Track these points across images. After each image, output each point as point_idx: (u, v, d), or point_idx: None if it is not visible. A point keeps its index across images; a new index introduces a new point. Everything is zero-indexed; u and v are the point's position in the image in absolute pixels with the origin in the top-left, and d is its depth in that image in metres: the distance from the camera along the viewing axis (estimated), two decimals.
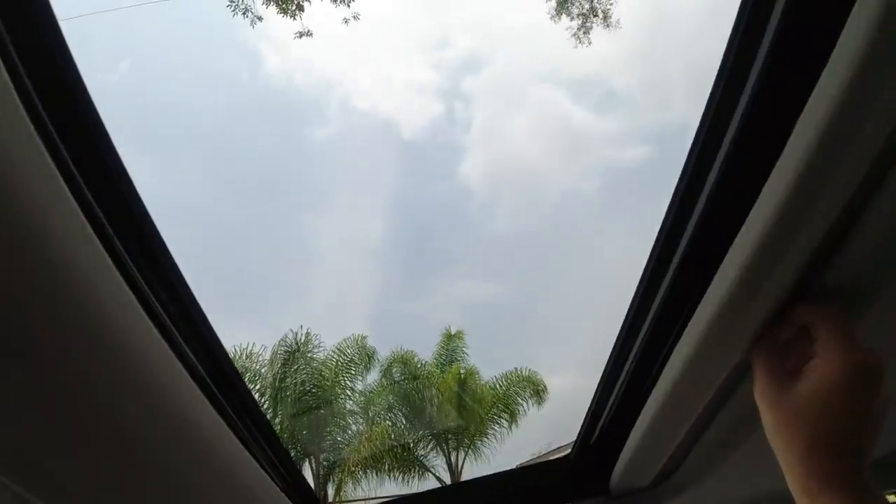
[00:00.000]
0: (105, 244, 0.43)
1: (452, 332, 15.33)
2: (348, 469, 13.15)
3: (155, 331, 0.50)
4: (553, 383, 14.98)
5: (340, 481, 13.33)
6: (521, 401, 14.56)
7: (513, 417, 14.46)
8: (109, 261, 0.43)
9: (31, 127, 0.36)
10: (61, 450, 0.49)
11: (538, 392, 14.55)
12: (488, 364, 15.84)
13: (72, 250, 0.39)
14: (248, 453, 0.67)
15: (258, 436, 0.73)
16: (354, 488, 13.45)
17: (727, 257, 0.57)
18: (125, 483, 0.56)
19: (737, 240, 0.55)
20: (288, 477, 0.85)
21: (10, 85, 0.35)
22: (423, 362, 14.85)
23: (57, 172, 0.39)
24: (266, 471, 0.74)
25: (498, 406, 14.45)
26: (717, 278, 0.59)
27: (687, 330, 0.66)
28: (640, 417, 0.84)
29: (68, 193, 0.40)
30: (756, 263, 0.53)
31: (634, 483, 1.02)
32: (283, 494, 0.80)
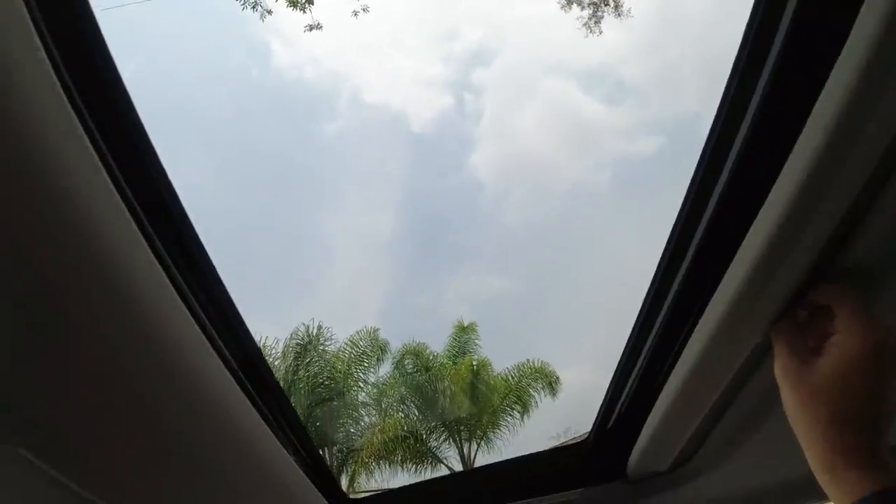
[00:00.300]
0: (143, 232, 0.45)
1: (465, 325, 15.36)
2: (361, 460, 13.26)
3: (190, 318, 0.51)
4: (565, 376, 15.00)
5: (354, 472, 13.44)
6: (532, 392, 14.59)
7: (525, 409, 14.49)
8: (147, 247, 0.45)
9: (76, 120, 0.37)
10: (94, 432, 0.51)
11: (551, 384, 14.56)
12: (500, 356, 15.87)
13: (112, 241, 0.41)
14: (272, 435, 0.69)
15: (281, 419, 0.74)
16: (368, 479, 13.57)
17: (745, 241, 0.58)
18: (155, 463, 0.58)
19: (754, 224, 0.56)
20: (309, 460, 0.86)
21: (55, 78, 0.36)
22: (435, 354, 14.91)
23: (101, 166, 0.40)
24: (289, 453, 0.75)
25: (510, 397, 14.49)
26: (735, 261, 0.59)
27: (706, 313, 0.67)
28: (658, 400, 0.85)
29: (111, 187, 0.41)
30: (774, 246, 0.53)
31: (652, 467, 1.02)
32: (306, 477, 0.81)
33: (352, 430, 14.00)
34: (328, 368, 14.00)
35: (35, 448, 0.49)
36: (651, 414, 0.89)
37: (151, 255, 0.45)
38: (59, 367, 0.43)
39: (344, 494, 1.02)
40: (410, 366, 14.78)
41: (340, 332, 14.80)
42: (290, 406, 0.79)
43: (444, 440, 14.38)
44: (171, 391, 0.52)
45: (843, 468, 0.52)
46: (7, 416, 0.45)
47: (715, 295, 0.64)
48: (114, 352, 0.45)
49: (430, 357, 14.77)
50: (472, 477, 1.44)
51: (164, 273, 0.47)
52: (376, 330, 14.81)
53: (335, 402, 13.79)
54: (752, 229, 0.56)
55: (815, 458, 0.56)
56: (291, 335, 14.13)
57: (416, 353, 14.79)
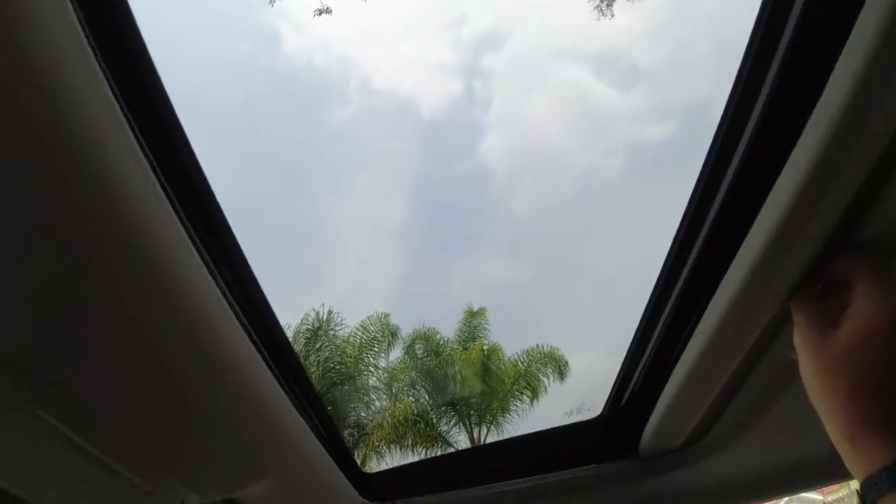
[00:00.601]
0: (171, 204, 0.45)
1: (475, 310, 15.41)
2: (372, 444, 13.39)
3: (216, 289, 0.52)
4: (575, 361, 15.03)
5: (364, 456, 13.59)
6: (542, 377, 14.65)
7: (534, 394, 14.55)
8: (175, 218, 0.45)
9: (107, 88, 0.38)
10: (116, 398, 0.52)
11: (559, 368, 14.62)
12: (510, 342, 15.90)
13: (139, 211, 0.41)
14: (292, 407, 0.70)
15: (299, 392, 0.75)
16: (378, 463, 13.70)
17: (759, 216, 0.58)
18: (175, 430, 0.59)
19: (769, 198, 0.56)
20: (326, 434, 0.87)
21: (85, 43, 0.36)
22: (446, 339, 14.99)
23: (129, 133, 0.40)
24: (306, 422, 0.77)
25: (520, 382, 14.56)
26: (750, 236, 0.60)
27: (720, 288, 0.67)
28: (672, 376, 0.85)
29: (142, 157, 0.41)
30: (790, 219, 0.53)
31: (664, 444, 1.03)
32: (324, 450, 0.83)
33: (362, 415, 14.13)
34: (339, 353, 14.12)
35: (57, 412, 0.50)
36: (665, 389, 0.89)
37: (180, 227, 0.46)
38: (83, 333, 0.44)
39: (359, 469, 1.03)
40: (421, 350, 14.87)
41: (351, 318, 14.91)
42: (309, 381, 0.80)
43: (454, 424, 14.49)
44: (194, 359, 0.52)
45: (862, 437, 0.52)
46: (30, 379, 0.46)
47: (729, 270, 0.64)
48: (138, 319, 0.46)
49: (441, 342, 14.85)
50: (484, 453, 1.46)
51: (190, 244, 0.47)
52: (387, 315, 14.91)
53: (346, 387, 13.91)
54: (766, 203, 0.56)
55: (834, 427, 0.55)
56: (302, 321, 14.24)
57: (426, 337, 14.87)
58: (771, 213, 0.55)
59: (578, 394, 15.41)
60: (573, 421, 1.13)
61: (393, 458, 13.64)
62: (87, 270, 0.41)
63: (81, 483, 0.61)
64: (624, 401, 1.03)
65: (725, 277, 0.65)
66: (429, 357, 14.71)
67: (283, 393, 0.68)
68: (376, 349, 14.65)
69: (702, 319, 0.73)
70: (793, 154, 0.52)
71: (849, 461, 0.54)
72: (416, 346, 14.89)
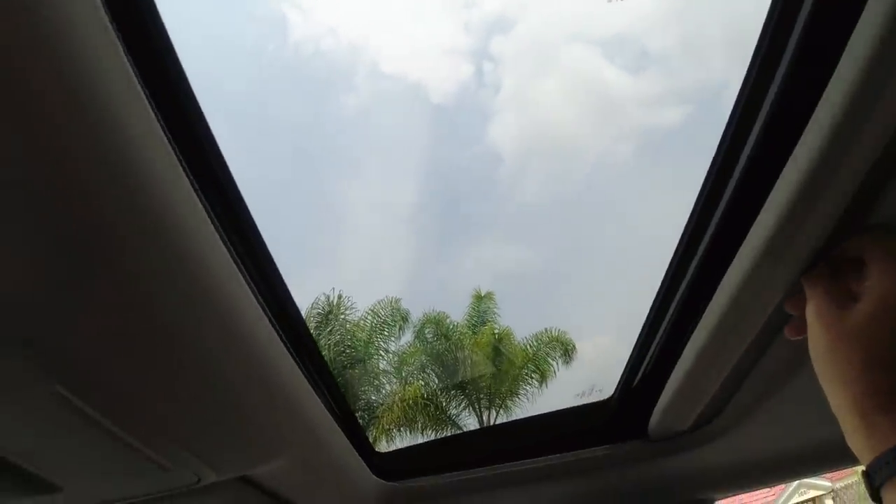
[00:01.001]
0: (191, 183, 0.45)
1: (482, 294, 15.43)
2: (382, 427, 13.51)
3: (231, 262, 0.52)
4: (584, 346, 15.03)
5: (375, 439, 13.70)
6: (551, 361, 14.69)
7: (543, 378, 14.59)
8: (190, 187, 0.45)
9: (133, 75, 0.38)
10: (130, 370, 0.52)
11: (567, 352, 14.64)
12: (519, 326, 15.89)
13: (152, 177, 0.41)
14: (307, 382, 0.71)
15: (312, 369, 0.76)
16: (388, 446, 13.83)
17: (770, 197, 0.57)
18: (193, 404, 0.59)
19: (779, 179, 0.55)
20: (339, 412, 0.89)
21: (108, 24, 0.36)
22: (456, 324, 15.02)
23: (155, 120, 0.41)
24: (321, 400, 0.78)
25: (528, 366, 14.60)
26: (760, 217, 0.59)
27: (731, 267, 0.66)
28: (682, 358, 0.85)
29: (160, 131, 0.41)
30: (801, 198, 0.53)
31: (673, 427, 1.03)
32: (338, 427, 0.84)
33: (373, 398, 14.24)
34: (349, 337, 14.20)
35: (73, 387, 0.49)
36: (674, 372, 0.89)
37: (200, 206, 0.46)
38: (100, 308, 0.44)
39: (372, 448, 1.05)
40: (430, 334, 14.93)
41: (361, 303, 14.98)
42: (323, 360, 0.81)
43: (464, 408, 14.58)
44: (213, 335, 0.53)
45: (874, 412, 0.51)
46: (46, 354, 0.45)
47: (739, 252, 0.64)
48: (156, 294, 0.46)
49: (450, 326, 14.89)
50: (496, 433, 1.47)
51: (209, 222, 0.48)
52: (398, 300, 14.96)
53: (356, 371, 14.02)
54: (776, 185, 0.56)
55: (845, 403, 0.54)
56: (312, 305, 14.31)
57: (436, 321, 14.92)
58: (781, 195, 0.55)
59: (588, 377, 15.43)
60: (584, 402, 1.14)
61: (403, 441, 13.75)
62: (106, 244, 0.41)
63: (97, 458, 0.62)
64: (635, 383, 1.03)
65: (735, 260, 0.65)
66: (438, 341, 14.77)
67: (299, 371, 0.69)
68: (386, 333, 14.72)
69: (711, 302, 0.73)
70: (804, 135, 0.52)
71: (858, 439, 0.52)
72: (426, 330, 14.95)
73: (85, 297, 0.43)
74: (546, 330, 14.82)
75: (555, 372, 14.65)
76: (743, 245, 0.63)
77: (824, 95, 0.48)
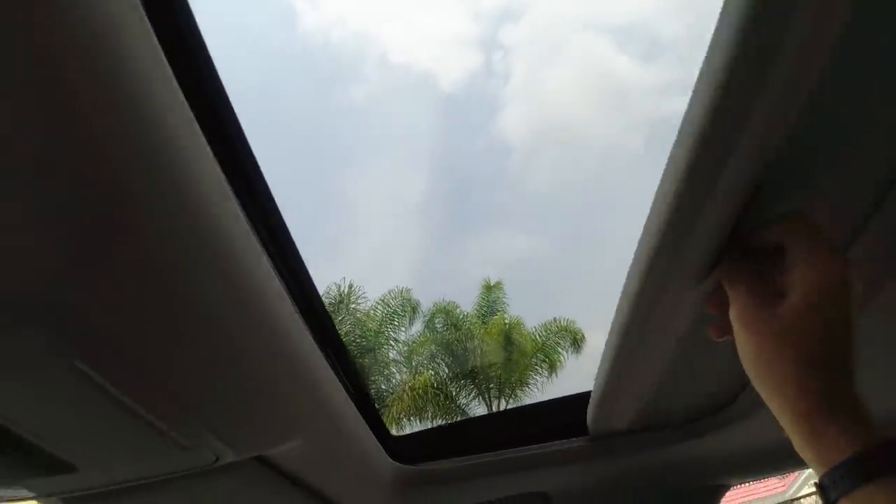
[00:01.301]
0: (217, 158, 0.45)
1: (492, 284, 15.44)
2: (392, 417, 13.60)
3: (258, 246, 0.51)
4: (593, 335, 15.01)
5: None
6: (560, 350, 14.70)
7: (552, 367, 14.61)
8: (222, 176, 0.45)
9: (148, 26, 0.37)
10: (154, 347, 0.50)
11: (577, 341, 14.64)
12: (528, 316, 15.90)
13: (179, 151, 0.40)
14: (325, 361, 0.71)
15: (330, 350, 0.76)
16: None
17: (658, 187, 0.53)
18: (215, 381, 0.59)
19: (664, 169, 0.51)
20: (356, 394, 0.88)
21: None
22: (465, 313, 15.05)
23: (178, 89, 0.40)
24: (340, 382, 0.78)
25: (538, 356, 14.62)
26: (654, 203, 0.54)
27: (633, 261, 0.62)
28: (600, 360, 0.83)
29: (185, 105, 0.41)
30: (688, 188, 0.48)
31: (611, 426, 1.04)
32: (355, 408, 0.84)
33: (382, 387, 14.34)
34: (359, 327, 14.28)
35: (93, 362, 0.48)
36: (597, 373, 0.88)
37: (224, 180, 0.45)
38: (121, 279, 0.43)
39: (388, 431, 1.05)
40: (440, 324, 14.98)
41: (371, 293, 15.04)
42: (342, 342, 0.80)
43: (474, 397, 14.64)
44: (236, 311, 0.52)
45: (817, 419, 0.46)
46: (66, 327, 0.44)
47: (637, 245, 0.59)
48: (180, 268, 0.45)
49: (460, 316, 14.93)
50: (508, 417, 1.47)
51: (234, 197, 0.47)
52: (408, 290, 15.01)
53: (366, 360, 14.10)
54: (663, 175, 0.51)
55: (784, 409, 0.49)
56: (323, 294, 14.38)
57: (446, 311, 14.97)
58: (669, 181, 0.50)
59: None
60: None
61: (413, 430, 13.84)
62: (130, 213, 0.40)
63: (115, 437, 0.61)
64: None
65: (636, 251, 0.61)
66: (448, 330, 14.82)
67: (319, 351, 0.69)
68: (396, 323, 14.80)
69: (619, 301, 0.68)
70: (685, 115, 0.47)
71: (807, 451, 0.47)
72: (436, 320, 15.00)
73: (108, 268, 0.42)
74: (555, 319, 14.84)
75: (564, 361, 14.67)
76: (643, 229, 0.58)
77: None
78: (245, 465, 0.77)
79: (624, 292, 0.65)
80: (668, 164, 0.49)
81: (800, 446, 0.48)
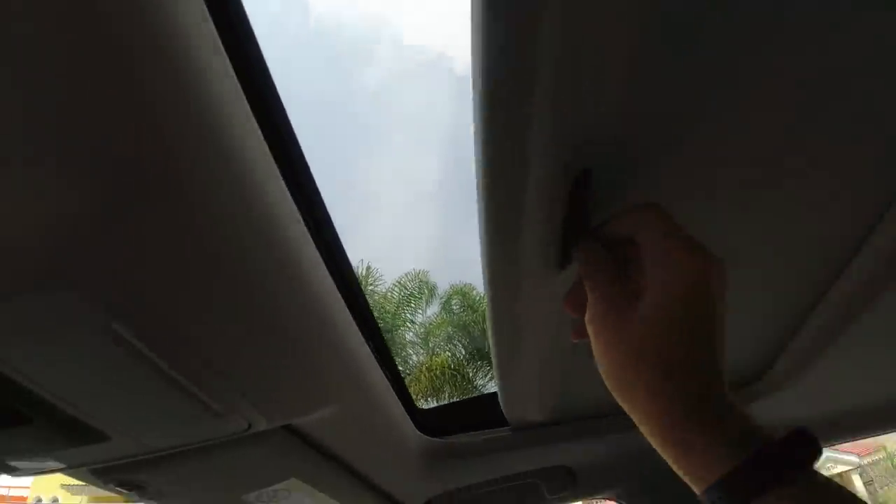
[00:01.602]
0: (261, 125, 0.45)
1: None
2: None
3: (296, 211, 0.51)
4: None
5: None
6: None
7: None
8: (264, 142, 0.44)
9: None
10: (192, 312, 0.50)
11: None
12: None
13: (231, 121, 0.40)
14: (361, 335, 0.70)
15: (362, 321, 0.75)
16: None
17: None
18: (255, 354, 0.59)
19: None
20: (387, 370, 0.88)
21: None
22: (482, 295, 15.03)
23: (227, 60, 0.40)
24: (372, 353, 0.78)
25: None
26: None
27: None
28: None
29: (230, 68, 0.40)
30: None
31: (528, 417, 1.06)
32: (386, 380, 0.84)
33: (400, 369, 14.41)
34: (377, 308, 14.35)
35: (131, 326, 0.47)
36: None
37: (262, 138, 0.45)
38: (161, 242, 0.43)
39: (414, 403, 1.05)
40: (458, 306, 15.00)
41: (388, 275, 15.11)
42: (371, 313, 0.80)
43: (490, 378, 14.70)
44: (273, 277, 0.52)
45: (682, 426, 0.42)
46: (105, 290, 0.44)
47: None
48: (221, 233, 0.45)
49: (477, 297, 14.95)
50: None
51: (274, 163, 0.46)
52: (425, 272, 15.04)
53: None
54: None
55: (647, 422, 0.44)
56: None
57: (462, 293, 14.99)
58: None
59: None
60: None
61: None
62: (172, 173, 0.39)
63: (150, 404, 0.60)
64: None
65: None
66: (465, 312, 14.84)
67: (352, 320, 0.68)
68: (413, 305, 14.85)
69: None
70: None
71: (678, 467, 0.43)
72: (453, 302, 15.02)
73: (148, 229, 0.41)
74: None
75: None
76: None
77: None
78: (274, 433, 0.77)
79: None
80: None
81: (672, 463, 0.43)
